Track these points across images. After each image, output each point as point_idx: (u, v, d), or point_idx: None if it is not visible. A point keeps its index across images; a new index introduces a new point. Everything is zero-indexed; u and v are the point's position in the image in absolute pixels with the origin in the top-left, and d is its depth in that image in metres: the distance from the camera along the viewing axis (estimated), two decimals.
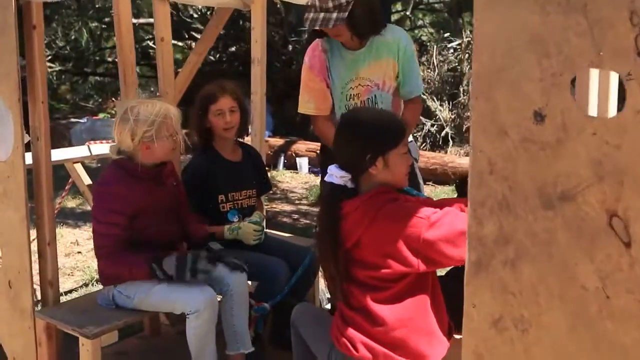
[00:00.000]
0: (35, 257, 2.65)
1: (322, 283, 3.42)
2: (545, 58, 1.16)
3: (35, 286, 2.81)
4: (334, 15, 2.60)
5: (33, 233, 2.71)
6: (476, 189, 1.29)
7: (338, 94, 2.91)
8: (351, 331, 1.97)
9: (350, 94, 2.89)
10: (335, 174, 1.97)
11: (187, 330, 2.48)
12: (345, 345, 1.97)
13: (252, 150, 3.22)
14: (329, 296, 3.56)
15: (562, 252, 1.20)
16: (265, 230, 2.98)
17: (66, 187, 4.55)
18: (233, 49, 12.28)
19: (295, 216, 6.52)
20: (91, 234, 5.52)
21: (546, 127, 1.18)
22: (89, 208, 3.94)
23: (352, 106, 2.88)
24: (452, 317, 2.02)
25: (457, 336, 2.15)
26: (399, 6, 13.70)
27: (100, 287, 2.79)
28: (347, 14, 2.60)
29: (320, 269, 2.18)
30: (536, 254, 1.24)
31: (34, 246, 2.67)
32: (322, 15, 2.62)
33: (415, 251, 1.83)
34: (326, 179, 2.02)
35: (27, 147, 2.64)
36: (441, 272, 2.38)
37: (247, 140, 3.33)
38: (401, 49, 2.85)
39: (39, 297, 2.82)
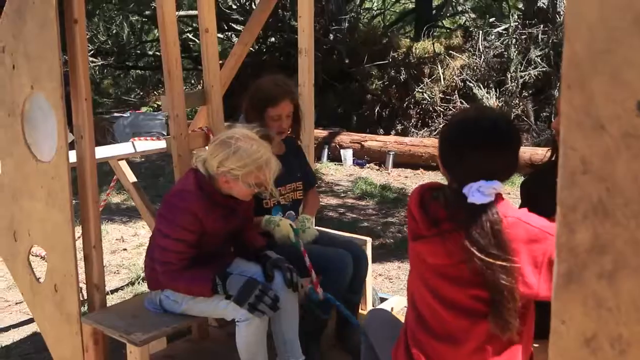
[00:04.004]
0: (80, 254, 2.58)
1: (372, 282, 3.30)
2: None
3: (81, 284, 2.74)
4: None
5: (78, 230, 2.63)
6: (567, 192, 1.13)
7: None
8: None
9: None
10: (497, 191, 1.60)
11: (237, 337, 2.40)
12: None
13: (292, 140, 3.09)
14: (382, 296, 3.43)
15: None
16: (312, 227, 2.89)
17: (111, 184, 4.50)
18: (273, 39, 12.19)
19: (341, 210, 6.40)
20: (137, 231, 5.61)
21: None
22: (134, 204, 3.87)
23: None
24: None
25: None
26: None
27: (146, 286, 2.72)
28: None
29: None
30: (638, 266, 1.09)
31: (80, 243, 2.60)
32: None
33: (538, 268, 1.55)
34: (476, 199, 1.59)
35: (71, 146, 2.57)
36: None
37: None
38: None
39: (86, 296, 2.74)
